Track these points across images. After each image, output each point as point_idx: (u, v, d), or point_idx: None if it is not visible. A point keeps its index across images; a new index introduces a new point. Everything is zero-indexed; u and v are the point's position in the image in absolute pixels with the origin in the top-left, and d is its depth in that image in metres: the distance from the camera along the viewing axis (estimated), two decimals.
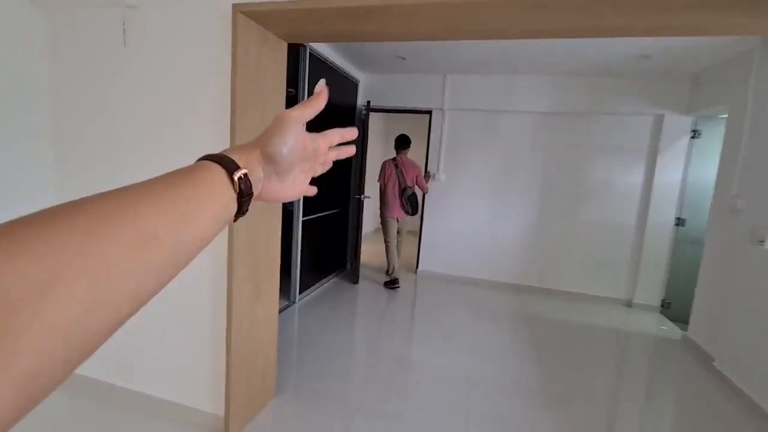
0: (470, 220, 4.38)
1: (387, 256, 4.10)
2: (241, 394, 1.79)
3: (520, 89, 4.03)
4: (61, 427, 1.78)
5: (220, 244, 1.65)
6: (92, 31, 1.75)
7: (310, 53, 3.17)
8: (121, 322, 0.23)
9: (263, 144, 0.39)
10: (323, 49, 3.46)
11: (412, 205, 3.97)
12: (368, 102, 3.90)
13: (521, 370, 2.56)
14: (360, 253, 4.11)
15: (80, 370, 1.99)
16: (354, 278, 4.11)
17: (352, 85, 4.19)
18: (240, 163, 0.35)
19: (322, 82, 0.45)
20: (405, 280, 4.42)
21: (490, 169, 4.27)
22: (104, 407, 1.91)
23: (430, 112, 4.37)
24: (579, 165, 4.04)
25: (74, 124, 1.86)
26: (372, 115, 5.53)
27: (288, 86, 3.23)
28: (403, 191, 3.91)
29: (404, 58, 3.71)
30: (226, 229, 1.63)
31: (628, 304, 3.95)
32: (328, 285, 4.01)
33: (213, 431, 1.77)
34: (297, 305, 3.41)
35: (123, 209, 0.24)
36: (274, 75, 1.77)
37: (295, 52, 3.20)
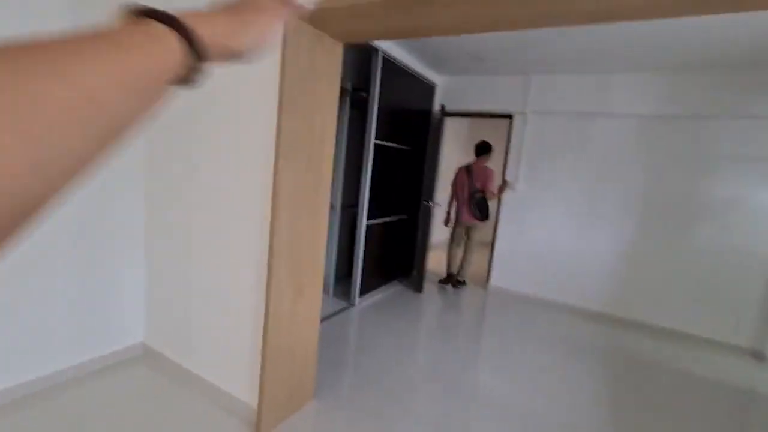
0: (552, 235, 3.95)
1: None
2: (276, 390, 1.81)
3: (617, 89, 3.52)
4: (137, 393, 1.99)
5: (260, 241, 1.69)
6: None
7: (383, 57, 3.16)
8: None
9: (228, 36, 0.32)
10: (398, 53, 3.43)
11: (481, 209, 3.87)
12: (443, 106, 3.76)
13: (595, 419, 2.18)
14: (425, 262, 3.98)
15: (158, 349, 2.22)
16: (418, 287, 3.99)
17: (428, 88, 4.10)
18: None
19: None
20: (473, 294, 4.17)
21: (579, 180, 3.80)
22: (171, 382, 2.10)
23: (510, 116, 4.06)
24: (691, 178, 3.37)
25: (161, 127, 2.08)
26: (453, 120, 5.38)
27: (360, 89, 3.28)
28: (471, 196, 3.82)
29: (482, 59, 3.50)
30: (266, 228, 1.66)
31: (758, 356, 3.16)
32: (391, 291, 3.96)
33: (247, 422, 1.82)
34: (356, 308, 3.41)
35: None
36: (329, 75, 1.77)
37: (367, 55, 3.22)
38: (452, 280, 4.24)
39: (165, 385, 2.06)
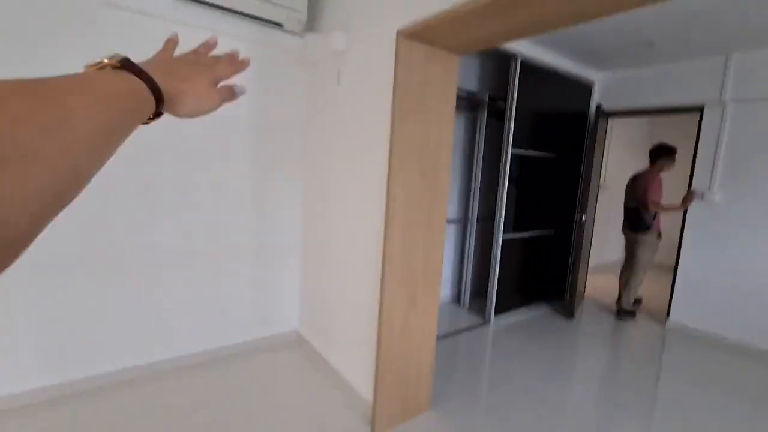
0: (764, 260, 2.91)
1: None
2: (389, 394, 1.88)
3: None
4: (284, 372, 2.39)
5: (377, 250, 1.81)
6: (325, 77, 2.29)
7: (521, 62, 2.98)
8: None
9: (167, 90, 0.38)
10: (543, 54, 3.17)
11: (630, 219, 3.47)
12: (598, 106, 3.27)
13: None
14: (577, 283, 3.47)
15: (308, 338, 2.61)
16: (569, 312, 3.51)
17: (582, 88, 3.63)
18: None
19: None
20: (643, 329, 3.41)
21: None
22: (312, 367, 2.43)
23: (701, 109, 3.21)
24: None
25: (312, 147, 2.48)
26: (622, 122, 4.63)
27: (498, 98, 3.17)
28: (626, 206, 3.51)
29: (653, 43, 2.90)
30: (380, 236, 1.77)
31: None
32: (536, 313, 3.59)
33: (366, 420, 1.94)
34: (490, 326, 3.23)
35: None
36: (443, 86, 1.80)
37: (505, 63, 3.09)
38: (622, 312, 3.60)
39: (307, 370, 2.40)
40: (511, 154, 3.10)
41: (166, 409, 1.95)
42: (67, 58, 1.77)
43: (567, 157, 3.64)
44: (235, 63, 0.48)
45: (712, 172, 3.15)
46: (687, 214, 3.30)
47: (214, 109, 0.44)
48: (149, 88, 0.34)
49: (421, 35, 1.59)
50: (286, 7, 2.21)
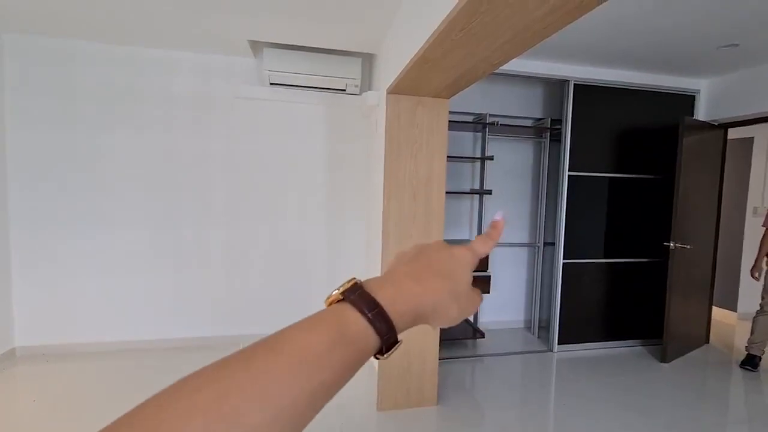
0: None
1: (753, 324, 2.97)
2: (392, 380, 2.25)
3: None
4: None
5: (380, 255, 2.27)
6: (373, 125, 2.93)
7: (575, 85, 2.99)
8: None
9: (420, 301, 0.32)
10: (613, 74, 3.07)
11: None
12: (683, 118, 2.89)
13: None
14: (669, 321, 2.98)
15: None
16: (664, 355, 3.03)
17: (678, 100, 3.24)
18: (383, 299, 0.30)
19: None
20: (761, 383, 2.68)
21: None
22: None
23: None
24: None
25: (369, 177, 3.12)
26: (748, 130, 3.78)
27: (554, 124, 3.24)
28: None
29: (737, 45, 2.50)
30: (378, 244, 2.23)
31: None
32: (621, 350, 3.22)
33: (368, 403, 2.34)
34: (554, 355, 3.10)
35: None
36: (432, 126, 2.19)
37: (558, 89, 3.13)
38: (756, 360, 2.93)
39: None
40: (569, 177, 3.05)
41: None
42: (215, 134, 2.93)
43: (664, 179, 3.25)
44: (496, 233, 0.40)
45: None
46: None
47: (476, 308, 0.37)
48: (374, 331, 0.29)
49: (402, 89, 2.07)
50: (346, 77, 2.97)
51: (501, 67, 2.65)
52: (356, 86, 3.01)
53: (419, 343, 2.28)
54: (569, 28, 2.13)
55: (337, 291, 0.31)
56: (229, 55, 2.91)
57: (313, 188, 3.17)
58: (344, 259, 3.26)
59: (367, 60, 3.05)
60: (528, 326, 3.64)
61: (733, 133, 3.43)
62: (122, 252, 2.89)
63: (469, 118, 3.32)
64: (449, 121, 2.29)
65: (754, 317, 2.97)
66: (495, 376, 2.76)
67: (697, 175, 3.07)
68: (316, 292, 3.21)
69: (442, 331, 2.82)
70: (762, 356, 2.95)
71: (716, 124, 3.22)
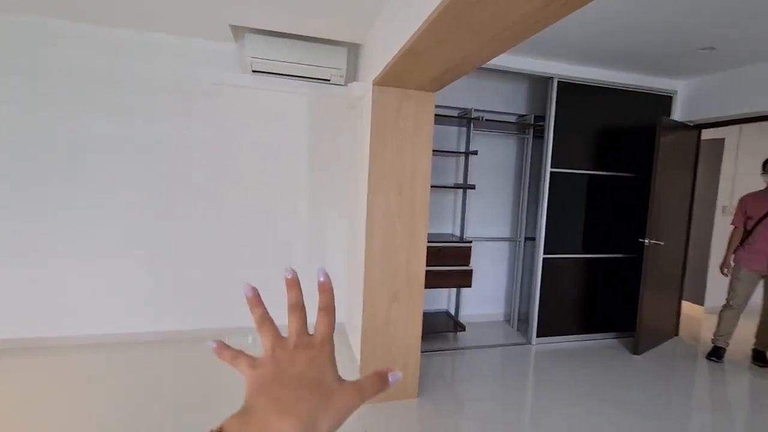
0: None
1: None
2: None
3: None
4: None
5: (363, 249, 2.26)
6: (358, 116, 2.89)
7: (558, 83, 3.02)
8: None
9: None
10: (595, 73, 3.12)
11: None
12: (660, 118, 2.97)
13: None
14: (642, 315, 3.09)
15: (345, 326, 3.17)
16: (636, 347, 3.14)
17: (656, 100, 3.32)
18: None
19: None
20: (741, 381, 2.82)
21: None
22: (341, 349, 2.95)
23: None
24: None
25: (353, 169, 3.09)
26: (720, 131, 3.93)
27: (537, 121, 3.27)
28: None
29: (713, 48, 2.57)
30: (363, 237, 2.21)
31: None
32: (597, 343, 3.32)
33: None
34: (532, 347, 3.18)
35: None
36: (417, 119, 2.18)
37: (542, 86, 3.16)
38: (719, 352, 3.09)
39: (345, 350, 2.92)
40: (551, 173, 3.10)
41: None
42: (195, 122, 2.83)
43: (641, 177, 3.34)
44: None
45: None
46: None
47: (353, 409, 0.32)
48: None
49: (388, 81, 2.05)
50: (331, 68, 2.91)
51: (487, 62, 2.65)
52: (341, 77, 2.96)
53: (402, 336, 2.28)
54: (555, 25, 2.14)
55: None
56: (209, 40, 2.81)
57: (296, 180, 3.12)
58: (327, 252, 3.23)
59: (353, 50, 3.00)
60: (508, 319, 3.71)
61: (706, 134, 3.54)
62: (97, 243, 2.78)
63: (455, 113, 3.32)
64: (435, 114, 2.28)
65: (721, 311, 3.11)
66: (475, 368, 2.80)
67: (672, 174, 3.17)
68: None
69: (425, 324, 2.84)
70: (726, 348, 3.09)
71: (691, 124, 3.33)
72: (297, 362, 0.32)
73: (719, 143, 4.25)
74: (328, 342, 0.35)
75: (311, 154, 3.13)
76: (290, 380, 0.31)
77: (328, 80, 3.00)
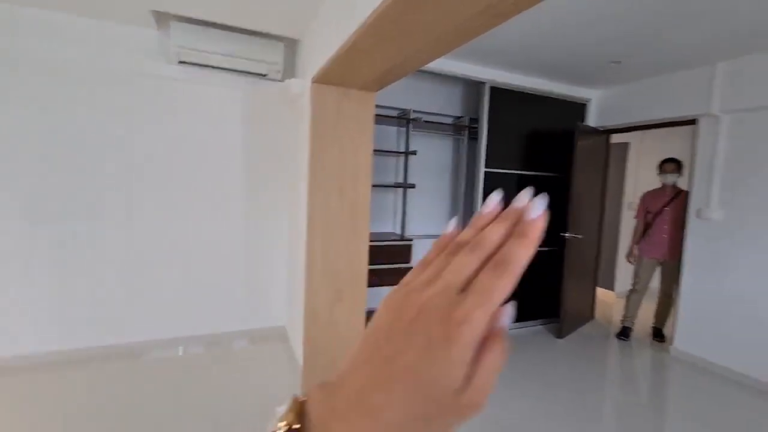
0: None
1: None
2: (318, 376, 2.22)
3: None
4: (257, 362, 2.86)
5: (303, 249, 2.21)
6: (298, 114, 2.81)
7: (491, 87, 3.20)
8: None
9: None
10: (523, 80, 3.34)
11: None
12: (578, 124, 3.29)
13: None
14: (564, 302, 3.40)
15: (289, 331, 3.07)
16: (560, 332, 3.44)
17: (574, 107, 3.66)
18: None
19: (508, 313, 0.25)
20: (644, 356, 3.21)
21: None
22: (285, 357, 2.86)
23: (694, 122, 3.06)
24: None
25: (295, 167, 3.00)
26: (625, 136, 4.43)
27: (472, 123, 3.42)
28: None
29: (620, 62, 2.90)
30: (303, 238, 2.17)
31: None
32: (527, 330, 3.59)
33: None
34: None
35: None
36: (358, 119, 2.18)
37: (475, 90, 3.33)
38: (627, 332, 3.49)
39: (279, 359, 2.83)
40: (485, 173, 3.28)
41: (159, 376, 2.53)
42: (111, 115, 2.56)
43: (562, 176, 3.66)
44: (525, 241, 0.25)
45: (709, 187, 2.95)
46: (688, 234, 3.09)
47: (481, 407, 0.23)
48: None
49: (328, 79, 2.02)
50: (267, 62, 2.80)
51: (426, 65, 2.71)
52: (279, 72, 2.86)
53: (346, 335, 2.27)
54: (488, 34, 2.26)
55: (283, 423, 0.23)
56: (128, 25, 2.56)
57: (230, 180, 2.96)
58: (266, 254, 3.11)
59: (291, 45, 2.91)
60: None
61: (614, 139, 3.98)
62: None
63: (394, 113, 3.37)
64: (375, 114, 2.30)
65: (627, 295, 3.52)
66: None
67: (587, 174, 3.51)
68: (231, 295, 3.02)
69: (366, 323, 2.86)
70: (633, 328, 3.51)
71: (602, 130, 3.71)
72: (419, 336, 0.22)
73: (625, 147, 4.81)
74: (477, 322, 0.22)
75: (247, 152, 2.99)
76: (399, 366, 0.22)
77: (265, 75, 2.88)
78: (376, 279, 3.03)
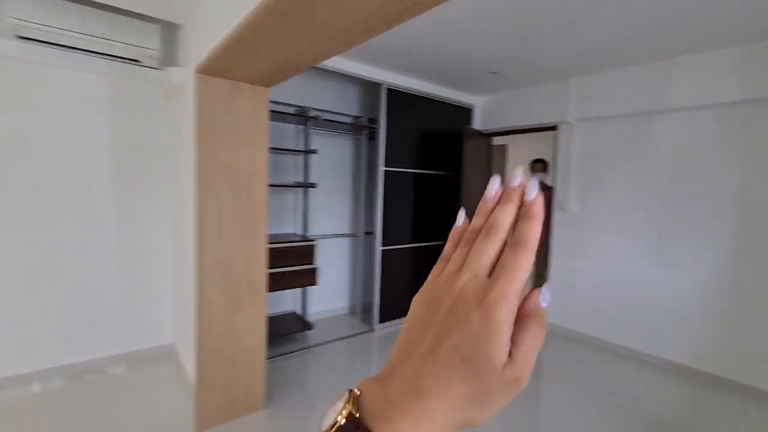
0: (616, 265, 3.22)
1: None
2: (215, 392, 2.04)
3: (684, 76, 2.77)
4: (145, 386, 2.51)
5: (194, 256, 2.01)
6: (181, 107, 2.53)
7: (388, 89, 3.30)
8: None
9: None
10: (417, 83, 3.52)
11: None
12: (466, 127, 3.61)
13: None
14: None
15: (179, 350, 2.74)
16: None
17: (462, 111, 3.99)
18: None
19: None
20: None
21: (645, 197, 3.05)
22: (175, 378, 2.56)
23: (555, 128, 3.59)
24: None
25: (179, 167, 2.70)
26: (504, 139, 4.99)
27: (370, 123, 3.49)
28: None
29: (497, 73, 3.26)
30: (193, 244, 1.97)
31: None
32: None
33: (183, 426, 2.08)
34: (375, 333, 3.42)
35: None
36: (252, 116, 2.05)
37: (373, 91, 3.42)
38: None
39: (170, 380, 2.53)
40: (384, 172, 3.38)
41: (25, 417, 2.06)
42: None
43: (453, 175, 3.96)
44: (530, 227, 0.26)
45: (568, 184, 3.49)
46: (553, 224, 3.61)
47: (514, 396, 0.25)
48: None
49: (215, 71, 1.85)
50: (140, 46, 2.46)
51: (324, 63, 2.69)
52: (154, 59, 2.55)
53: (246, 345, 2.13)
54: (381, 36, 2.32)
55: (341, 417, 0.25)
56: None
57: (98, 181, 2.54)
58: (146, 268, 2.75)
59: (171, 30, 2.61)
60: (353, 311, 3.90)
61: (495, 141, 4.45)
62: None
63: (292, 110, 3.26)
64: (271, 111, 2.19)
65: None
66: (323, 364, 2.84)
67: (474, 173, 3.87)
68: (102, 315, 2.61)
69: (271, 328, 2.73)
70: None
71: (486, 133, 4.12)
72: (470, 322, 0.24)
73: (504, 148, 5.42)
74: (511, 299, 0.24)
75: (119, 149, 2.59)
76: (455, 361, 0.24)
77: (138, 61, 2.54)
78: (279, 282, 2.91)
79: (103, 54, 2.40)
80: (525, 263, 0.25)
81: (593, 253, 3.35)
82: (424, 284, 0.29)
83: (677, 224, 2.88)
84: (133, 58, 2.49)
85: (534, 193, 0.27)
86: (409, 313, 0.28)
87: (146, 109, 2.67)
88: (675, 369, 2.85)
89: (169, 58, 2.63)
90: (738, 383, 2.59)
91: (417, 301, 0.29)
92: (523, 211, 0.27)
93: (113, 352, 2.66)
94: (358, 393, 0.26)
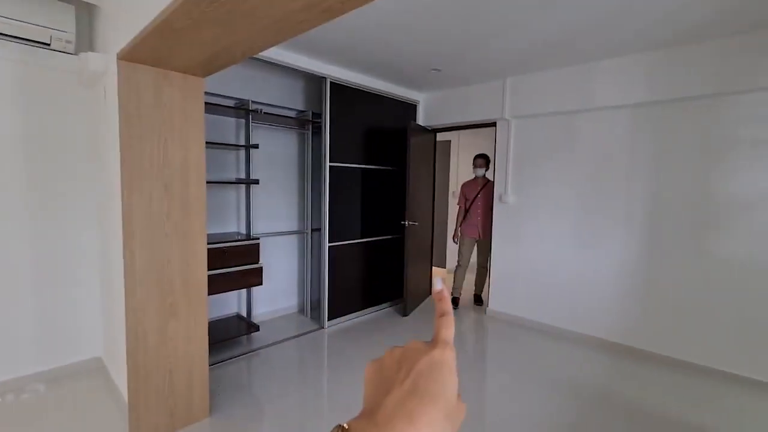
0: (547, 252, 3.46)
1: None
2: (151, 404, 1.90)
3: (602, 79, 3.03)
4: (70, 405, 2.27)
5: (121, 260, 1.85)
6: (99, 97, 2.30)
7: (331, 83, 3.26)
8: None
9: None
10: (360, 77, 3.49)
11: None
12: (410, 123, 3.67)
13: None
14: (407, 283, 3.78)
15: (107, 364, 2.51)
16: (404, 310, 3.80)
17: (406, 107, 4.05)
18: None
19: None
20: (465, 317, 3.82)
21: (571, 188, 3.30)
22: (104, 395, 2.34)
23: (494, 124, 3.76)
24: (705, 172, 2.70)
25: (101, 165, 2.45)
26: (461, 135, 5.16)
27: (315, 117, 3.41)
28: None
29: (440, 70, 3.35)
30: (119, 248, 1.82)
31: None
32: (377, 314, 3.84)
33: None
34: (325, 331, 3.39)
35: None
36: (185, 108, 1.91)
37: (317, 85, 3.35)
38: (457, 301, 4.17)
39: (98, 398, 2.31)
40: (330, 167, 3.34)
41: None
42: None
43: (399, 170, 4.01)
44: (446, 305, 0.37)
45: (506, 177, 3.68)
46: (494, 216, 3.80)
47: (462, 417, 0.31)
48: None
49: (140, 58, 1.70)
50: (50, 28, 2.20)
51: (264, 54, 2.59)
52: (68, 42, 2.30)
53: (184, 353, 2.00)
54: (323, 28, 2.28)
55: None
56: None
57: (2, 178, 2.24)
58: (66, 276, 2.48)
59: (87, 11, 2.36)
60: (302, 309, 3.82)
61: (440, 137, 4.57)
62: None
63: (231, 103, 3.11)
64: (207, 103, 2.07)
65: (455, 270, 4.13)
66: (271, 366, 2.76)
67: (419, 168, 3.94)
68: (13, 331, 2.32)
69: (213, 333, 2.59)
70: (460, 297, 4.15)
71: (429, 128, 4.21)
72: (442, 369, 0.30)
73: (448, 144, 5.58)
74: (453, 349, 0.32)
75: (28, 143, 2.31)
76: (430, 392, 0.28)
77: (48, 45, 2.26)
78: (221, 284, 2.77)
79: (5, 35, 2.11)
80: (452, 324, 0.36)
81: (529, 241, 3.58)
82: (368, 363, 0.36)
83: (599, 212, 3.16)
84: (42, 41, 2.22)
85: (438, 286, 0.37)
86: (364, 383, 0.34)
87: (60, 98, 2.40)
88: (602, 345, 3.14)
89: (85, 42, 2.38)
90: (652, 353, 2.91)
91: (369, 371, 0.35)
92: (435, 296, 0.37)
93: (33, 369, 2.38)
94: (347, 427, 0.28)
